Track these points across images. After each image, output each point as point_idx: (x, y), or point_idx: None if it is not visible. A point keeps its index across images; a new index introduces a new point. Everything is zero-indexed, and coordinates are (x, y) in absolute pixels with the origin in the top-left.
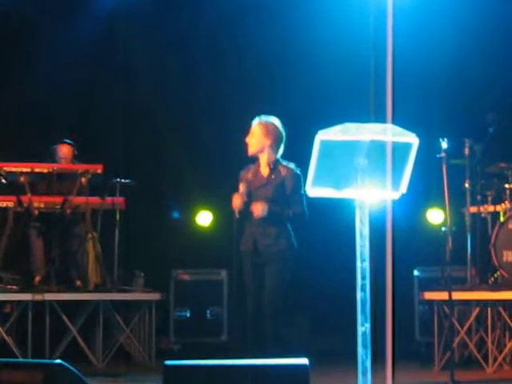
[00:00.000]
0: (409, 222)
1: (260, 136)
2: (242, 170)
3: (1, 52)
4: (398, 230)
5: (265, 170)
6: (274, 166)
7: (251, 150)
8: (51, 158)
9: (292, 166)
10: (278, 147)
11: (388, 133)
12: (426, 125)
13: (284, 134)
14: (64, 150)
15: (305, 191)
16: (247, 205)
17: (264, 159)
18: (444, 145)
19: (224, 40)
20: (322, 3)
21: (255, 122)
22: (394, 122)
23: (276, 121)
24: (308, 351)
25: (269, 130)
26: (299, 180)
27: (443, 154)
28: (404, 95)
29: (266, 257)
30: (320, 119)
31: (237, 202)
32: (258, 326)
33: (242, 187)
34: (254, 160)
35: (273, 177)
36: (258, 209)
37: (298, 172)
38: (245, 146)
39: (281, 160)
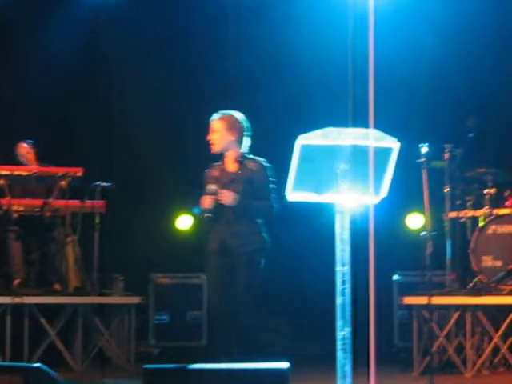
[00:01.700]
0: (388, 226)
1: (223, 131)
2: (206, 170)
3: None
4: (378, 235)
5: (232, 166)
6: (242, 160)
7: (216, 148)
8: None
9: (260, 159)
10: (243, 140)
11: (369, 137)
12: (407, 130)
13: (247, 125)
14: (20, 149)
15: (274, 185)
16: (217, 204)
17: (231, 155)
18: (424, 150)
19: (207, 43)
20: (304, 7)
21: (215, 118)
22: (375, 126)
23: (237, 113)
24: (288, 355)
25: (231, 123)
26: (268, 173)
27: (423, 159)
28: (385, 100)
29: (236, 257)
30: (301, 123)
31: (206, 201)
32: (226, 329)
33: (211, 186)
34: (218, 158)
35: (240, 172)
36: (228, 196)
37: (267, 164)
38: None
39: (247, 154)
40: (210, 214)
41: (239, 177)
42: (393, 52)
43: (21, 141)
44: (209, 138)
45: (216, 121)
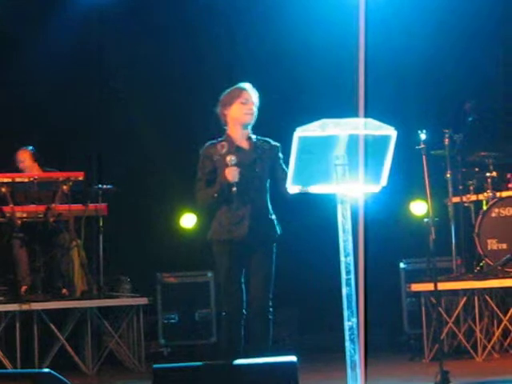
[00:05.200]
0: (393, 214)
1: (256, 105)
2: (207, 147)
3: None
4: (383, 224)
5: (244, 144)
6: (254, 139)
7: (252, 120)
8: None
9: (269, 139)
10: None
11: (366, 127)
12: (405, 117)
13: None
14: (20, 155)
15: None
16: (228, 186)
17: (245, 132)
18: (423, 136)
19: (204, 34)
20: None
21: (254, 91)
22: (372, 115)
23: None
24: (296, 348)
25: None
26: (280, 154)
27: (422, 146)
28: (381, 88)
29: (259, 244)
30: (299, 115)
31: (233, 172)
32: (240, 325)
33: (232, 157)
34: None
35: (257, 151)
36: (231, 172)
37: (277, 144)
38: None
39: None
40: (235, 189)
41: (259, 156)
42: (385, 39)
43: (20, 147)
44: (252, 107)
45: (255, 93)
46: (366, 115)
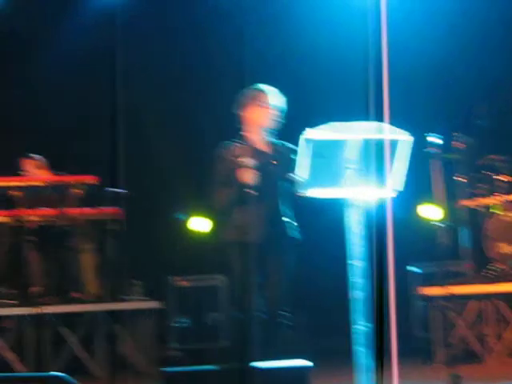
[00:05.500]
0: (402, 218)
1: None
2: (223, 148)
3: None
4: (393, 227)
5: (261, 146)
6: (272, 142)
7: (269, 123)
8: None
9: (287, 143)
10: None
11: (380, 131)
12: (415, 120)
13: None
14: (24, 165)
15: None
16: (244, 188)
17: (263, 135)
18: (433, 139)
19: (215, 37)
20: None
21: (271, 90)
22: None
23: None
24: (308, 352)
25: None
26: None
27: (433, 149)
28: (391, 91)
29: (274, 246)
30: (307, 117)
31: (248, 174)
32: (257, 328)
33: (249, 160)
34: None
35: (273, 153)
36: (246, 174)
37: (294, 148)
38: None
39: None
40: (251, 191)
41: (274, 158)
42: (397, 42)
43: (27, 155)
44: (267, 110)
45: (275, 97)
46: (378, 119)
